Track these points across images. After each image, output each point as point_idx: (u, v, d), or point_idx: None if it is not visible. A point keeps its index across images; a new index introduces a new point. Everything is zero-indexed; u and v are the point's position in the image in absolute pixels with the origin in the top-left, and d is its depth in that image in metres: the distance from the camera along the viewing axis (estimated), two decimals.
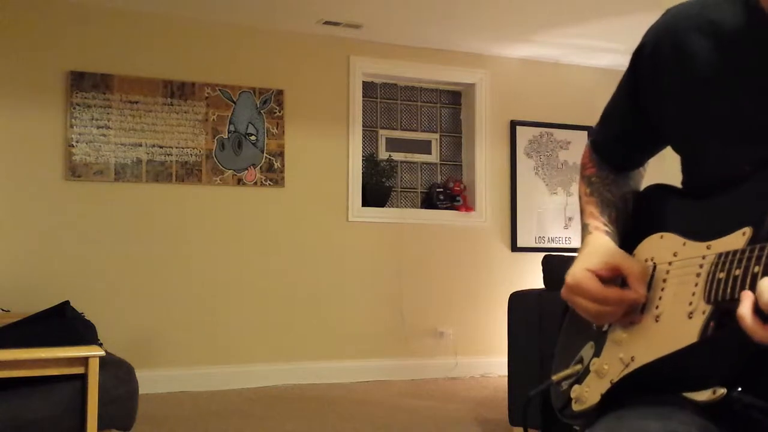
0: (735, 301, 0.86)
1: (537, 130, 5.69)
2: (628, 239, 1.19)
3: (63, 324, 2.96)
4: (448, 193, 5.46)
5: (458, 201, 5.46)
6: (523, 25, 4.96)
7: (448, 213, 5.42)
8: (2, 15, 4.46)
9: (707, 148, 1.07)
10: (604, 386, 1.08)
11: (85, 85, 4.56)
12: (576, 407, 1.13)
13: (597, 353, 1.13)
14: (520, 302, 3.45)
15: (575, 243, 5.63)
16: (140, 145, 4.66)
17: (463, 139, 5.68)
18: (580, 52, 5.54)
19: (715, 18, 1.05)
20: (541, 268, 3.45)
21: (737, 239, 0.93)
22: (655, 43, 1.14)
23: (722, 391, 0.90)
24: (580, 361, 1.17)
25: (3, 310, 3.94)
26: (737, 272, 0.88)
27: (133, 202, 4.64)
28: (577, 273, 1.11)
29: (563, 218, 5.73)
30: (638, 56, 1.18)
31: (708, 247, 0.97)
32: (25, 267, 4.41)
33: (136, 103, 4.67)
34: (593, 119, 1.32)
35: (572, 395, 1.14)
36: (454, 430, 3.71)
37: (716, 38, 1.05)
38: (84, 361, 2.74)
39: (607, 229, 1.20)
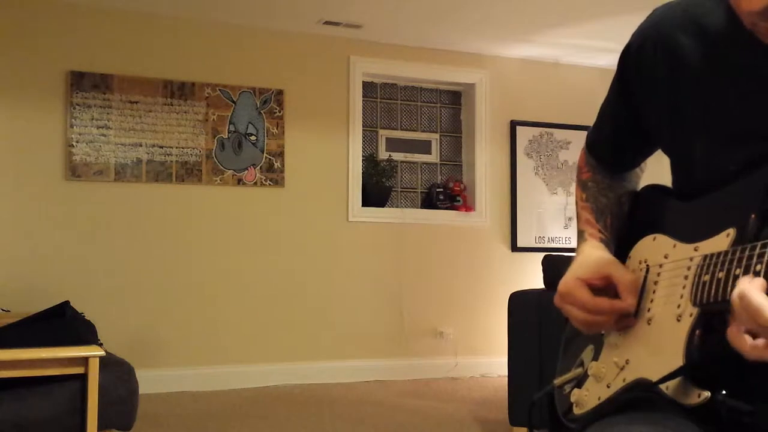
0: (720, 304, 0.87)
1: (537, 130, 5.69)
2: (624, 241, 1.19)
3: (63, 324, 2.96)
4: (448, 193, 5.46)
5: (458, 201, 5.46)
6: (523, 25, 4.96)
7: (448, 213, 5.42)
8: (2, 15, 4.46)
9: (693, 149, 1.07)
10: (601, 390, 1.09)
11: (85, 85, 4.56)
12: (576, 411, 1.13)
13: (596, 357, 1.14)
14: (520, 302, 3.45)
15: (575, 243, 5.62)
16: (140, 145, 4.67)
17: (463, 139, 5.68)
18: (580, 52, 5.54)
19: (699, 18, 1.05)
20: (541, 268, 3.46)
21: (721, 241, 0.93)
22: (640, 43, 1.13)
23: (706, 394, 0.91)
24: (581, 364, 1.17)
25: (3, 310, 3.94)
26: (720, 275, 0.89)
27: (133, 202, 4.64)
28: (569, 281, 1.11)
29: (563, 218, 5.73)
30: (625, 57, 1.17)
31: (695, 249, 0.98)
32: (25, 267, 4.41)
33: (136, 103, 4.67)
34: (593, 119, 1.31)
35: (572, 399, 1.15)
36: (454, 430, 3.71)
37: (700, 39, 1.04)
38: (84, 361, 2.74)
39: (602, 236, 1.20)
